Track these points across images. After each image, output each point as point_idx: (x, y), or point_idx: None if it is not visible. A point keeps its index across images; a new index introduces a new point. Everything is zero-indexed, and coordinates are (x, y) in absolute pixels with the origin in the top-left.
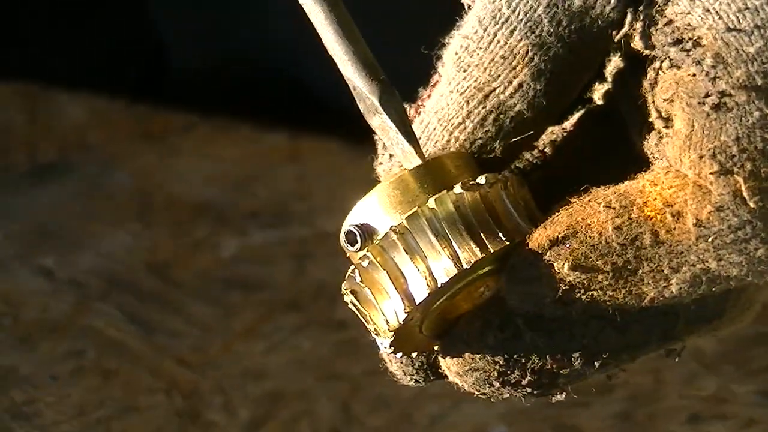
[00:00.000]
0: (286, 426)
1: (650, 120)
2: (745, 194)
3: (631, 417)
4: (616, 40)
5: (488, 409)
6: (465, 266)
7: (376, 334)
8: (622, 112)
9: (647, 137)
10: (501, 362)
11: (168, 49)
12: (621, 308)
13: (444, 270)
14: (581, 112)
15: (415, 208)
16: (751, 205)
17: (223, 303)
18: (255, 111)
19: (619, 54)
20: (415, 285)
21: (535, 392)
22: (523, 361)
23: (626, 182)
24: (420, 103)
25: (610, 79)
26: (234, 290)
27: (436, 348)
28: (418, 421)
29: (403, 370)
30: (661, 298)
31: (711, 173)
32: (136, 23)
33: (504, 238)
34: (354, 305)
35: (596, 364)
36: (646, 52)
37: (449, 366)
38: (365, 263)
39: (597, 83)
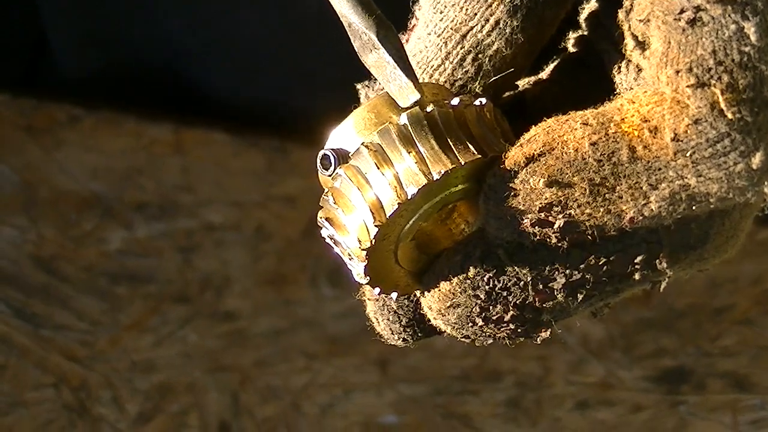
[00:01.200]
0: (176, 419)
1: (628, 54)
2: (722, 106)
3: (519, 404)
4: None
5: (378, 398)
6: (435, 176)
7: (350, 259)
8: (599, 53)
9: (626, 73)
10: (482, 296)
11: (52, 42)
12: (600, 228)
13: (414, 179)
14: (556, 62)
15: (386, 123)
16: (729, 116)
17: (110, 296)
18: (139, 104)
19: None
20: (384, 197)
21: (519, 330)
22: (505, 294)
23: (604, 103)
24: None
25: (584, 26)
26: (121, 283)
27: (416, 292)
28: (309, 410)
29: (390, 328)
30: (640, 218)
31: (688, 86)
32: (18, 16)
33: (476, 152)
34: (329, 237)
35: (579, 296)
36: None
37: (430, 305)
38: (338, 183)
39: (571, 32)
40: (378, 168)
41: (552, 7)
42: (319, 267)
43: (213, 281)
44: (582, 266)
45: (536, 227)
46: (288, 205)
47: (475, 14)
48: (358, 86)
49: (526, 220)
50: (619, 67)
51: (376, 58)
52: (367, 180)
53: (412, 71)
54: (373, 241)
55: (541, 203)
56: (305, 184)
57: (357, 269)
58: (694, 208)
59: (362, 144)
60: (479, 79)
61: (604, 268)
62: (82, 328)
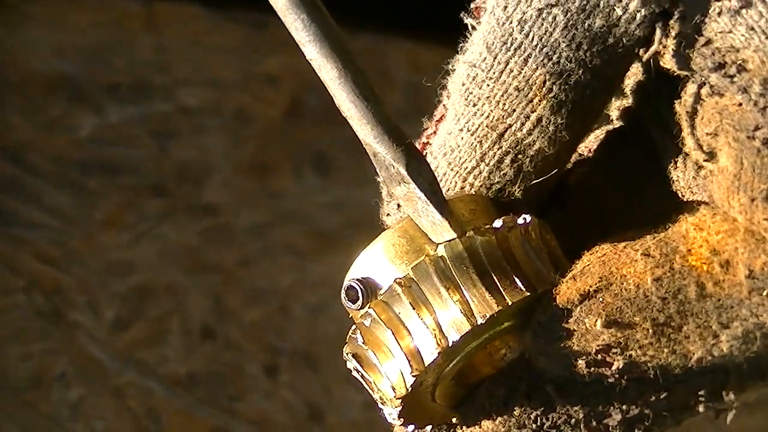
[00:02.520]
0: (155, 325)
1: (686, 150)
2: None
3: None
4: (644, 59)
5: None
6: (479, 321)
7: (382, 403)
8: (652, 138)
9: (684, 169)
10: None
11: None
12: (664, 369)
13: (455, 325)
14: (600, 136)
15: (422, 257)
16: None
17: (82, 189)
18: None
19: (638, 64)
20: (423, 344)
21: None
22: None
23: (667, 227)
24: (425, 140)
25: (629, 94)
26: (93, 175)
27: (453, 420)
28: (297, 314)
29: None
30: (709, 357)
31: (765, 219)
32: None
33: (524, 288)
34: (357, 371)
35: (637, 431)
36: (680, 72)
37: None
38: (367, 322)
39: (615, 99)
40: (414, 308)
41: (600, 97)
42: (304, 154)
43: (191, 171)
44: (640, 401)
45: (592, 368)
46: (269, 86)
47: (514, 110)
48: (379, 179)
49: (581, 361)
50: (676, 162)
51: (405, 191)
52: (401, 322)
53: (447, 207)
54: (410, 389)
55: (598, 345)
56: (288, 61)
57: (390, 412)
58: None
59: (395, 281)
60: (519, 182)
61: (665, 402)
62: (55, 225)
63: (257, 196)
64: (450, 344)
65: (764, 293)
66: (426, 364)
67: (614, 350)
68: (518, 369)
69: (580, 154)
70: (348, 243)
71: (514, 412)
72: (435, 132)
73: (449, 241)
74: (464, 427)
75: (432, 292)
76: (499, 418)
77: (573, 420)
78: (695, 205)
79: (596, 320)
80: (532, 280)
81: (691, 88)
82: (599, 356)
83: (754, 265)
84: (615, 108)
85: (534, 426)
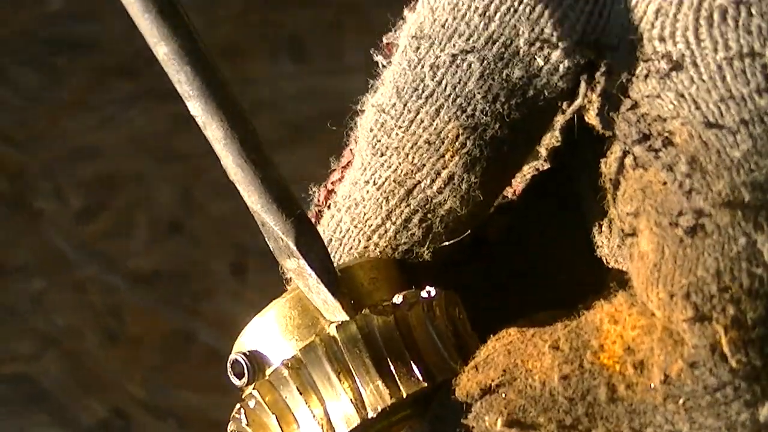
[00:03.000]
0: (121, 216)
1: (611, 217)
2: (726, 348)
3: None
4: (567, 114)
5: None
6: (371, 414)
7: None
8: (578, 192)
9: (609, 235)
10: None
11: None
12: None
13: (345, 418)
14: (527, 169)
15: (313, 337)
16: (733, 363)
17: (48, 67)
18: None
19: (562, 116)
20: None
21: None
22: None
23: (580, 314)
24: (330, 186)
25: (558, 134)
26: (61, 52)
27: None
28: None
29: None
30: None
31: (684, 320)
32: None
33: (422, 378)
34: None
35: None
36: (605, 132)
37: None
38: (251, 403)
39: (545, 136)
40: (301, 394)
41: (519, 152)
42: (280, 37)
43: None
44: None
45: None
46: None
47: (424, 165)
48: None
49: None
50: (600, 226)
51: (295, 266)
52: (288, 407)
53: (339, 287)
54: None
55: None
56: None
57: None
58: None
59: (282, 362)
60: (428, 243)
61: None
62: (19, 104)
63: (230, 82)
64: None
65: (680, 401)
66: None
67: None
68: None
69: (504, 197)
70: (321, 134)
71: None
72: (341, 179)
73: (342, 322)
74: None
75: (321, 378)
76: None
77: None
78: (613, 287)
79: (497, 419)
80: (432, 368)
81: (616, 151)
82: None
83: (670, 369)
84: (544, 146)
85: None
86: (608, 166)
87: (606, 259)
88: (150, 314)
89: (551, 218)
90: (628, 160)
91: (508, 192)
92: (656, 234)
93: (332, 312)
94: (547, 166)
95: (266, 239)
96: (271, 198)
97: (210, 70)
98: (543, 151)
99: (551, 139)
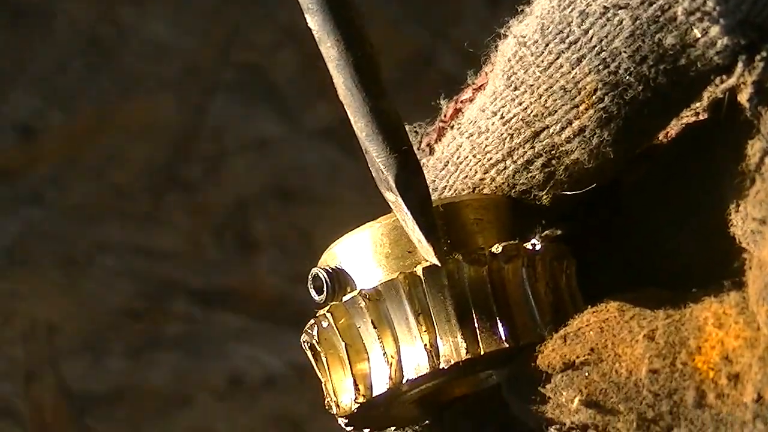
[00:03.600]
0: None
1: (747, 196)
2: None
3: None
4: (719, 89)
5: None
6: (442, 365)
7: (329, 407)
8: (719, 161)
9: (744, 219)
10: None
11: None
12: None
13: (416, 363)
14: (688, 113)
15: (397, 273)
16: None
17: None
18: None
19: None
20: (376, 372)
21: None
22: None
23: (686, 306)
24: (458, 105)
25: (705, 105)
26: None
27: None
28: None
29: None
30: None
31: None
32: None
33: (504, 338)
34: (311, 362)
35: None
36: (753, 119)
37: None
38: (325, 323)
39: (705, 88)
40: (375, 328)
41: (660, 118)
42: None
43: None
44: None
45: None
46: None
47: (556, 111)
48: (410, 127)
49: (552, 430)
50: (738, 205)
51: (394, 199)
52: (360, 337)
53: (435, 232)
54: (354, 411)
55: (573, 421)
56: None
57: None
58: None
59: (360, 292)
60: (548, 189)
61: None
62: None
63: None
64: (404, 382)
65: None
66: (373, 396)
67: (591, 431)
68: (493, 405)
69: (656, 138)
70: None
71: None
72: (471, 99)
73: (432, 264)
74: None
75: (399, 317)
76: None
77: None
78: (727, 286)
79: (575, 396)
80: (518, 329)
81: (757, 146)
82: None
83: (764, 391)
84: (708, 93)
85: None
86: (749, 156)
87: (738, 240)
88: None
89: (692, 178)
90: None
91: (660, 134)
92: None
93: (425, 251)
94: (705, 116)
95: (369, 167)
96: (377, 128)
97: None
98: (705, 100)
99: (716, 88)
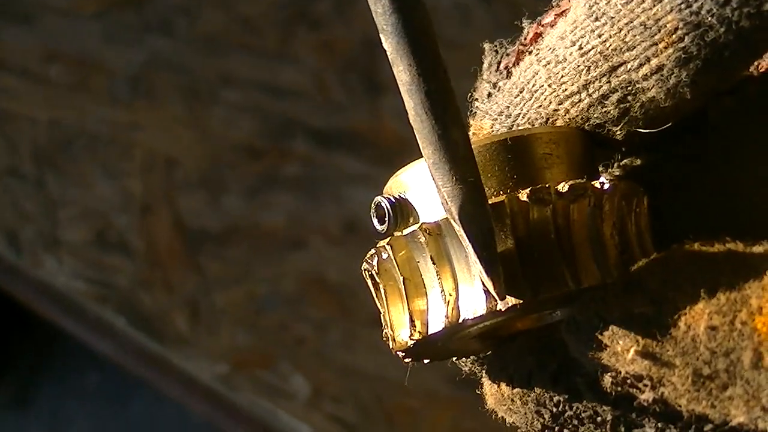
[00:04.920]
0: None
1: None
2: None
3: None
4: None
5: None
6: (500, 306)
7: (386, 339)
8: None
9: None
10: (546, 417)
11: None
12: (699, 418)
13: (473, 304)
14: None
15: None
16: None
17: None
18: None
19: None
20: (433, 309)
21: None
22: (576, 423)
23: (753, 266)
24: (539, 28)
25: None
26: None
27: (473, 359)
28: None
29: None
30: (753, 427)
31: None
32: None
33: (567, 281)
34: (370, 291)
35: None
36: None
37: (487, 391)
38: (384, 255)
39: None
40: (434, 264)
41: (741, 60)
42: None
43: None
44: (678, 425)
45: (619, 387)
46: None
47: (635, 47)
48: (486, 46)
49: (607, 377)
50: None
51: (458, 229)
52: (419, 272)
53: (495, 269)
54: (411, 346)
55: (627, 371)
56: None
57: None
58: None
59: (421, 226)
60: (622, 124)
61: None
62: None
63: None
64: (460, 321)
65: None
66: (429, 333)
67: (645, 382)
68: (554, 342)
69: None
70: None
71: (535, 390)
72: (553, 24)
73: (495, 203)
74: (485, 378)
75: (459, 255)
76: (519, 389)
77: (599, 419)
78: None
79: (631, 346)
80: (581, 272)
81: None
82: (628, 381)
83: None
84: None
85: (554, 410)
86: None
87: None
88: None
89: None
90: None
91: (752, 68)
92: None
93: (486, 284)
94: None
95: (437, 192)
96: (444, 157)
97: (410, 8)
98: None
99: None
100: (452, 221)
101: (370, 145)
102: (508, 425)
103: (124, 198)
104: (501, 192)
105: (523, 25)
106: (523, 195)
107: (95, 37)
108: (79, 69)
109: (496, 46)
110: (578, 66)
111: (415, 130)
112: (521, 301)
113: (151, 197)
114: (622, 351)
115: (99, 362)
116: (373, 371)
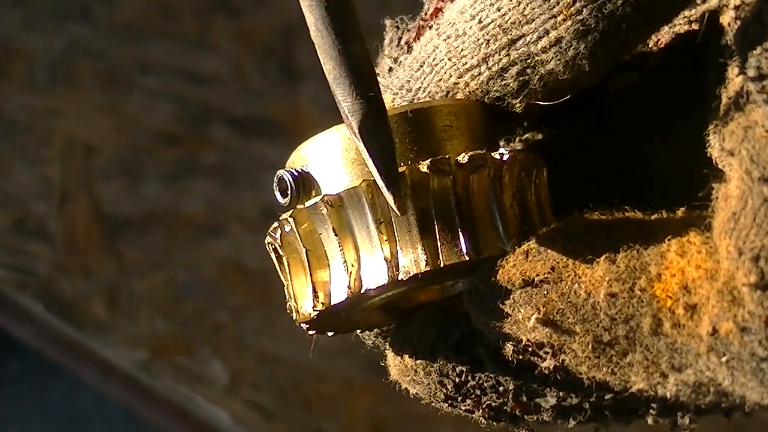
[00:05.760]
0: None
1: (723, 123)
2: None
3: None
4: (698, 9)
5: None
6: (401, 276)
7: (289, 311)
8: (706, 80)
9: (721, 141)
10: (449, 387)
11: None
12: (600, 385)
13: (375, 273)
14: (680, 21)
15: (360, 181)
16: None
17: None
18: None
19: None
20: (335, 280)
21: (492, 422)
22: (478, 393)
23: (651, 233)
24: (440, 2)
25: (699, 19)
26: None
27: (376, 331)
28: None
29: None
30: (652, 393)
31: (746, 284)
32: None
33: (466, 251)
34: (274, 264)
35: (572, 421)
36: (732, 46)
37: (390, 363)
38: (287, 228)
39: (683, 11)
40: (336, 235)
41: (639, 32)
42: None
43: None
44: (579, 394)
45: (520, 355)
46: None
47: (533, 20)
48: (387, 22)
49: (508, 346)
50: (717, 126)
51: (358, 144)
52: (321, 244)
53: (396, 183)
54: (314, 317)
55: (528, 338)
56: None
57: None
58: (723, 404)
59: (323, 197)
60: (522, 97)
61: (609, 403)
62: None
63: None
64: (363, 292)
65: (723, 358)
66: (332, 304)
67: (546, 350)
68: (457, 313)
69: (646, 45)
70: None
71: (438, 361)
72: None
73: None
74: (388, 350)
75: (360, 226)
76: (421, 360)
77: (501, 388)
78: (696, 215)
79: (532, 314)
80: (480, 242)
81: (735, 73)
82: (530, 349)
83: (720, 326)
84: (681, 22)
85: (457, 380)
86: (727, 83)
87: (715, 161)
88: None
89: (678, 92)
90: (742, 93)
91: (650, 42)
92: (744, 182)
93: (387, 198)
94: (695, 27)
95: (339, 108)
96: (345, 72)
97: None
98: (699, 10)
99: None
100: (353, 136)
101: (287, 133)
102: (412, 396)
103: (43, 185)
104: (402, 163)
105: (424, 0)
106: (424, 166)
107: (15, 23)
108: None
109: (397, 22)
110: (478, 39)
111: (316, 46)
112: (422, 271)
113: (70, 184)
114: (523, 319)
115: (18, 349)
116: (291, 357)
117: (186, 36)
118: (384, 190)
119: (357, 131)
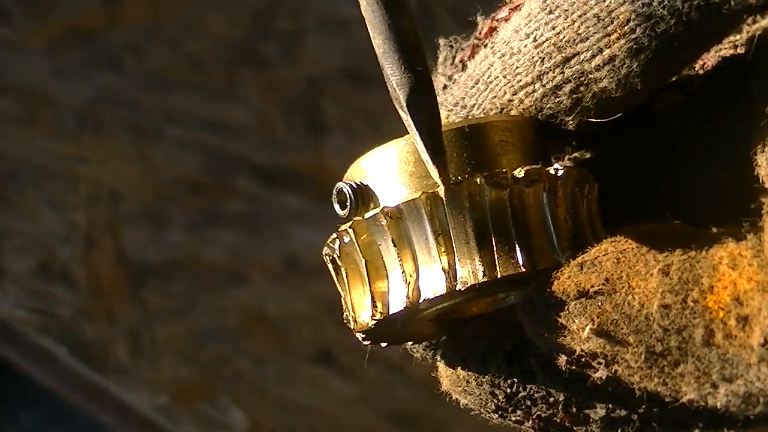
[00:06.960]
0: None
1: None
2: None
3: None
4: (752, 29)
5: None
6: (459, 286)
7: (346, 321)
8: (752, 102)
9: (767, 160)
10: (500, 398)
11: None
12: (651, 396)
13: (433, 283)
14: (726, 45)
15: (419, 193)
16: None
17: None
18: None
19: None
20: (394, 290)
21: None
22: (529, 404)
23: (704, 243)
24: (494, 23)
25: (739, 46)
26: None
27: (428, 344)
28: None
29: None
30: (702, 404)
31: None
32: None
33: (522, 262)
34: (332, 276)
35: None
36: None
37: (442, 374)
38: (346, 238)
39: (735, 34)
40: (395, 246)
41: (690, 51)
42: None
43: None
44: (628, 406)
45: (573, 366)
46: None
47: (587, 38)
48: (441, 41)
49: (562, 357)
50: (765, 145)
51: (405, 118)
52: (380, 254)
53: (441, 157)
54: (371, 327)
55: (583, 349)
56: None
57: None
58: None
59: (383, 209)
60: (574, 115)
61: (657, 414)
62: None
63: None
64: (421, 301)
65: None
66: (390, 314)
67: (599, 360)
68: (508, 324)
69: (692, 68)
70: None
71: (490, 371)
72: (507, 19)
73: (455, 183)
74: (440, 362)
75: (419, 237)
76: (473, 371)
77: (552, 399)
78: (746, 227)
79: (587, 325)
80: (536, 254)
81: None
82: (583, 360)
83: None
84: (745, 29)
85: (508, 391)
86: None
87: (762, 180)
88: None
89: (725, 112)
90: None
91: (697, 64)
92: None
93: (432, 173)
94: (740, 50)
95: (386, 80)
96: (394, 46)
97: None
98: (744, 34)
99: (757, 23)
100: (399, 110)
101: (312, 184)
102: (463, 407)
103: (69, 230)
104: (459, 177)
105: (477, 20)
106: (481, 179)
107: (44, 71)
108: (27, 102)
109: (450, 41)
110: (532, 57)
111: (366, 21)
112: (479, 282)
113: (95, 230)
114: (577, 329)
115: (38, 393)
116: (310, 406)
117: (212, 87)
118: (429, 164)
119: (405, 104)
